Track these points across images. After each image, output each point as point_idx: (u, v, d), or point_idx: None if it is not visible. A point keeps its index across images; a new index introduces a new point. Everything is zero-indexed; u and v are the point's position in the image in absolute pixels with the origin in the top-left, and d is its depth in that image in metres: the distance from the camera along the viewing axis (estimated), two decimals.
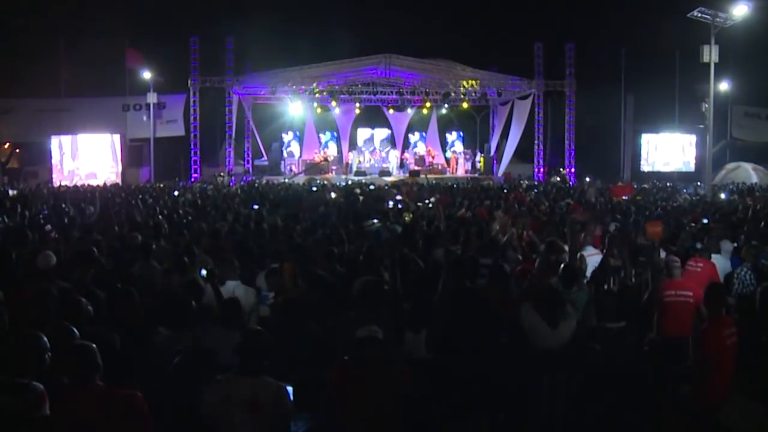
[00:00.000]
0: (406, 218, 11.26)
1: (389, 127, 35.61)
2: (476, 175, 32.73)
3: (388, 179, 28.74)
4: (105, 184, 26.55)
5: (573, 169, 32.23)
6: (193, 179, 30.32)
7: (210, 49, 30.57)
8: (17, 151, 35.31)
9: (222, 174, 29.86)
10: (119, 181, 30.16)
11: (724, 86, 31.57)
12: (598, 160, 33.41)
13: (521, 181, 29.03)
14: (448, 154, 36.37)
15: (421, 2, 40.07)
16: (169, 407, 3.89)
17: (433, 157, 34.92)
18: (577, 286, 5.90)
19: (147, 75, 31.54)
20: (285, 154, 34.23)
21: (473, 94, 31.95)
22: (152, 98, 31.55)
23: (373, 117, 35.31)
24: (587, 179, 28.86)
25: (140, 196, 17.48)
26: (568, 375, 4.91)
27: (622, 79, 35.60)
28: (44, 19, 31.48)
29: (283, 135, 34.73)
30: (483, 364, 4.50)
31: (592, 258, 7.37)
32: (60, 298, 4.65)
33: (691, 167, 36.21)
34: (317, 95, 30.78)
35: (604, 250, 7.55)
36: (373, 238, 8.82)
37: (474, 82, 30.73)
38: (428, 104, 32.41)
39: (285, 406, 3.75)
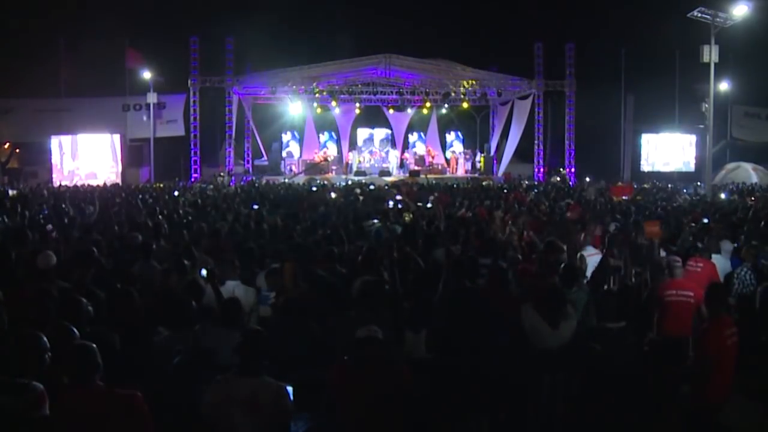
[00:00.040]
0: (406, 218, 11.27)
1: (389, 127, 35.62)
2: (476, 175, 32.73)
3: (388, 179, 28.73)
4: (105, 184, 26.55)
5: (573, 169, 32.23)
6: (193, 179, 30.32)
7: (210, 49, 30.58)
8: (17, 151, 35.30)
9: (222, 174, 29.86)
10: (119, 181, 30.15)
11: (724, 86, 31.57)
12: (598, 160, 33.41)
13: (521, 181, 29.03)
14: (448, 154, 36.38)
15: (421, 2, 40.12)
16: (169, 407, 3.88)
17: (433, 157, 34.91)
18: (577, 286, 5.90)
19: (147, 75, 31.54)
20: (285, 154, 34.24)
21: (473, 94, 31.96)
22: (152, 98, 31.55)
23: (373, 117, 35.31)
24: (587, 179, 28.86)
25: (140, 196, 17.48)
26: (568, 375, 4.91)
27: (622, 79, 35.60)
28: (44, 19, 31.51)
29: (283, 135, 34.74)
30: (483, 364, 4.50)
31: (592, 258, 7.38)
32: (60, 298, 4.65)
33: (691, 167, 36.21)
34: (317, 95, 30.81)
35: (604, 250, 7.55)
36: (373, 238, 8.83)
37: (474, 82, 30.74)
38: (428, 104, 32.42)
39: (285, 406, 3.75)
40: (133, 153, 33.28)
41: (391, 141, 35.39)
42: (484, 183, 27.01)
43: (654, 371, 4.59)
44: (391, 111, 34.95)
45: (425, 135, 36.13)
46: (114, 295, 5.10)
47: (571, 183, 29.38)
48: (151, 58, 31.76)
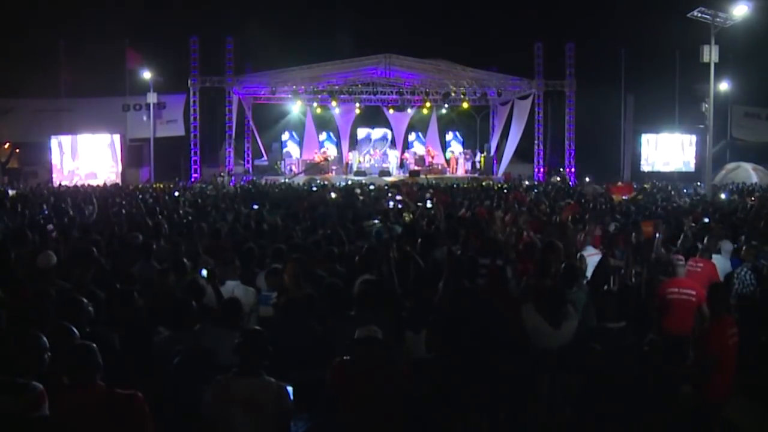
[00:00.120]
0: (406, 218, 11.26)
1: (389, 127, 35.61)
2: (476, 175, 32.72)
3: (388, 179, 28.72)
4: (105, 184, 26.55)
5: (573, 169, 32.23)
6: (193, 179, 30.32)
7: (210, 49, 30.60)
8: (17, 151, 35.28)
9: (222, 174, 29.86)
10: (119, 181, 30.14)
11: (724, 86, 31.57)
12: (598, 160, 33.40)
13: (521, 181, 29.03)
14: (448, 154, 36.38)
15: (421, 2, 40.12)
16: (169, 407, 3.88)
17: (432, 158, 34.90)
18: (577, 286, 5.90)
19: (147, 75, 31.53)
20: (284, 154, 34.24)
21: (473, 94, 31.96)
22: (152, 98, 31.53)
23: (373, 117, 35.30)
24: (587, 179, 28.86)
25: (140, 196, 17.47)
26: (569, 375, 4.91)
27: (622, 79, 35.58)
28: (45, 20, 31.50)
29: (283, 135, 34.73)
30: (483, 364, 4.50)
31: (592, 258, 7.38)
32: (60, 298, 4.65)
33: (691, 167, 36.20)
34: (317, 95, 30.77)
35: (604, 250, 7.55)
36: (373, 238, 8.82)
37: (474, 82, 30.73)
38: (428, 104, 32.42)
39: (285, 406, 3.75)
40: (133, 153, 33.26)
41: (391, 141, 35.40)
42: (484, 183, 27.00)
43: (654, 371, 4.59)
44: (391, 111, 34.94)
45: (425, 135, 36.13)
46: (114, 295, 5.10)
47: (571, 183, 29.37)
48: (151, 58, 31.76)
